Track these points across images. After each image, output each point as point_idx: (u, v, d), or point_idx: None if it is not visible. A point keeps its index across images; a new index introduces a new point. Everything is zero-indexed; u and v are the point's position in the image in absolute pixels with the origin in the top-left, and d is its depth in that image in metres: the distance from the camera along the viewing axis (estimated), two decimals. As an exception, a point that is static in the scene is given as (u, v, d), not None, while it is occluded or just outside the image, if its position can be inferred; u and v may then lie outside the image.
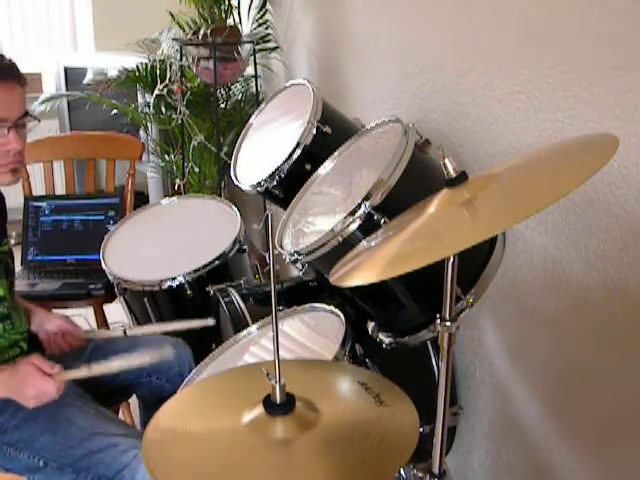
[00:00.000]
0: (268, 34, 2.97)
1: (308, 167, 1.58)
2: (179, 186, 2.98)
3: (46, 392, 1.35)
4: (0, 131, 1.37)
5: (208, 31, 2.65)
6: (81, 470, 1.37)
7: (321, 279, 1.54)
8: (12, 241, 1.63)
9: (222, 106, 3.13)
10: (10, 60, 1.41)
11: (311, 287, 1.70)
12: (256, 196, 1.78)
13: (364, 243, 1.09)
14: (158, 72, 2.93)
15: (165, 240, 1.99)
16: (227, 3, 2.79)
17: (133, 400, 1.89)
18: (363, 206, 1.21)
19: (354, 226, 1.22)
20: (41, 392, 1.34)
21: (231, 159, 1.85)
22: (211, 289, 1.71)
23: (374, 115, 1.91)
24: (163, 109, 3.08)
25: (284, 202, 1.59)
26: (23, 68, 1.42)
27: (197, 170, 3.08)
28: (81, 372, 1.41)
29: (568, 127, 1.20)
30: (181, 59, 2.88)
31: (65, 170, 2.59)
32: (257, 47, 2.85)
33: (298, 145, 1.58)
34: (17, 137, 1.40)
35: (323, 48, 2.47)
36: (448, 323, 0.98)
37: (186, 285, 1.78)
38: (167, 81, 2.91)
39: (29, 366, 1.35)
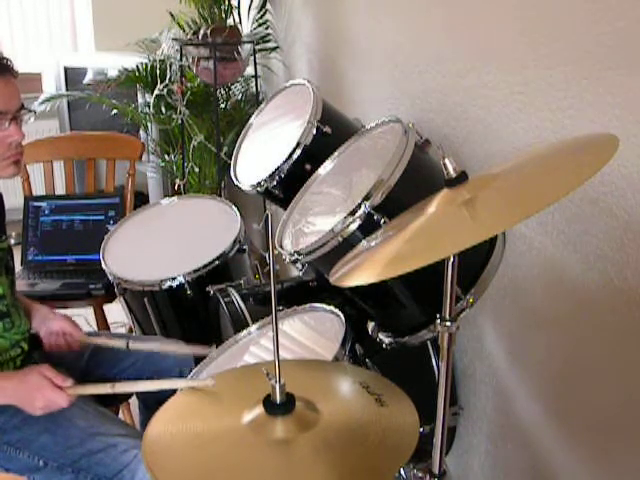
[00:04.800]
0: (268, 34, 2.97)
1: (308, 167, 1.58)
2: (179, 186, 2.98)
3: (56, 403, 1.33)
4: (2, 124, 1.39)
5: (208, 31, 2.65)
6: (81, 470, 1.37)
7: (321, 279, 1.54)
8: (12, 241, 1.63)
9: (222, 106, 3.13)
10: (2, 54, 1.42)
11: (311, 287, 1.70)
12: (256, 196, 1.78)
13: (364, 243, 1.09)
14: (158, 72, 2.94)
15: (165, 240, 2.00)
16: (227, 3, 2.79)
17: (133, 400, 1.89)
18: (363, 206, 1.20)
19: (354, 226, 1.22)
20: (50, 403, 1.33)
21: (231, 159, 1.85)
22: (211, 289, 1.71)
23: (374, 115, 1.91)
24: (163, 109, 3.08)
25: (284, 202, 1.59)
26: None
27: (197, 170, 3.08)
28: (99, 388, 1.37)
29: (568, 127, 1.19)
30: (181, 59, 2.88)
31: (65, 170, 2.59)
32: (257, 47, 2.85)
33: (298, 145, 1.58)
34: (17, 129, 1.42)
35: (323, 48, 2.47)
36: (448, 323, 0.98)
37: (186, 285, 1.78)
38: (167, 81, 2.91)
39: (40, 377, 1.34)
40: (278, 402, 0.90)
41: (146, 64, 2.99)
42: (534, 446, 1.41)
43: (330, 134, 1.59)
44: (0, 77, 1.38)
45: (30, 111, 1.48)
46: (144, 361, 1.67)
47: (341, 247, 1.22)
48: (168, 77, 2.92)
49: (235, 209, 1.99)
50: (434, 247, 0.86)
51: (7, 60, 1.42)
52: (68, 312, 2.23)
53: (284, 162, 1.59)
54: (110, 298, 2.24)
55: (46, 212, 2.41)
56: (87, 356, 1.66)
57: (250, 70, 2.91)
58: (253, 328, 1.46)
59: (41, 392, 1.33)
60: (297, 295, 1.70)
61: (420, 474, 1.50)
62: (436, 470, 1.04)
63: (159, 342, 1.72)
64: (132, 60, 3.05)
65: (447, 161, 0.95)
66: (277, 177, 1.61)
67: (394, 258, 0.89)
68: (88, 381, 1.48)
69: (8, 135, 1.41)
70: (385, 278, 0.84)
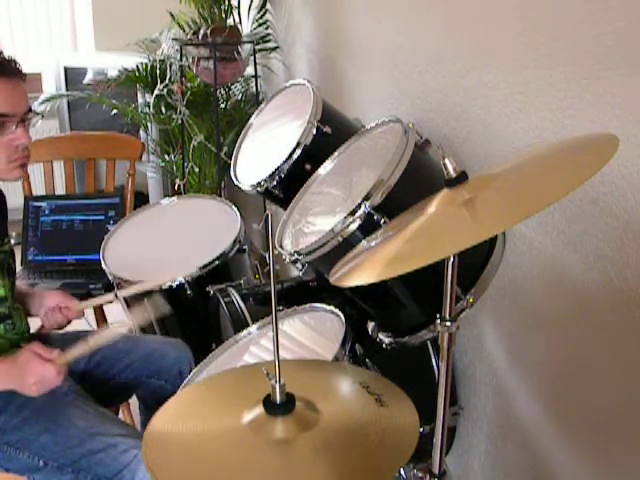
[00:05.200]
0: (268, 34, 2.97)
1: (308, 167, 1.58)
2: (179, 186, 2.98)
3: (47, 377, 1.34)
4: (9, 127, 1.39)
5: (208, 31, 2.65)
6: (81, 470, 1.37)
7: (321, 279, 1.54)
8: (12, 241, 1.63)
9: (222, 106, 3.13)
10: (12, 57, 1.42)
11: (311, 287, 1.70)
12: (256, 196, 1.78)
13: (364, 243, 1.09)
14: (158, 72, 2.94)
15: (165, 240, 1.99)
16: (227, 3, 2.79)
17: (133, 400, 1.88)
18: (363, 206, 1.20)
19: (354, 226, 1.22)
20: (42, 378, 1.34)
21: (231, 159, 1.85)
22: (211, 289, 1.71)
23: (374, 115, 1.91)
24: (163, 109, 3.08)
25: (284, 202, 1.59)
26: (23, 68, 1.44)
27: (197, 170, 3.08)
28: (80, 349, 1.38)
29: (568, 127, 1.19)
30: (181, 59, 2.88)
31: (65, 170, 2.59)
32: (257, 47, 2.86)
33: (298, 145, 1.58)
34: (25, 132, 1.42)
35: (323, 48, 2.47)
36: (448, 323, 0.98)
37: (186, 285, 1.78)
38: (167, 81, 2.91)
39: (28, 353, 1.35)
40: (278, 402, 0.90)
41: (146, 64, 2.99)
42: (534, 446, 1.41)
43: (330, 134, 1.59)
44: (8, 80, 1.38)
45: (37, 114, 1.48)
46: (144, 360, 1.67)
47: (341, 247, 1.22)
48: (168, 77, 2.92)
49: (235, 209, 1.99)
50: (434, 247, 0.86)
51: (16, 63, 1.42)
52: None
53: (284, 162, 1.59)
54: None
55: (46, 212, 2.41)
56: (87, 357, 1.66)
57: (250, 70, 2.91)
58: (253, 328, 1.46)
59: (31, 369, 1.33)
60: (297, 295, 1.70)
61: (420, 474, 1.50)
62: (436, 470, 1.04)
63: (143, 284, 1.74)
64: (132, 60, 3.05)
65: (447, 161, 0.95)
66: (277, 177, 1.61)
67: (394, 258, 0.89)
68: (88, 381, 1.48)
69: (15, 138, 1.40)
70: (385, 278, 0.84)
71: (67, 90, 3.51)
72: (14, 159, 1.42)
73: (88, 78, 3.48)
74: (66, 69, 3.58)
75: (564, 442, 1.33)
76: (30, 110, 1.44)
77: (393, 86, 1.88)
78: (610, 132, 1.06)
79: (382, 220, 1.18)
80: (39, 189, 2.70)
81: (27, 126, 1.44)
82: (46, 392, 1.36)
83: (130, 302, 1.94)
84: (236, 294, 1.64)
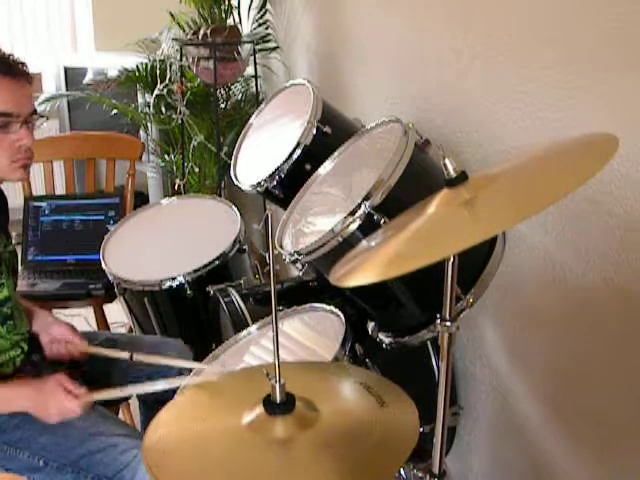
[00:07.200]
0: (268, 34, 2.97)
1: (308, 167, 1.58)
2: (179, 186, 2.98)
3: (70, 410, 1.35)
4: (13, 127, 1.39)
5: (208, 31, 2.65)
6: (81, 470, 1.37)
7: (321, 279, 1.54)
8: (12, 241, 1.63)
9: (222, 106, 3.13)
10: (20, 59, 1.43)
11: (311, 287, 1.69)
12: (256, 196, 1.78)
13: (364, 243, 1.09)
14: (158, 72, 2.94)
15: (165, 240, 1.99)
16: (227, 3, 2.79)
17: (133, 400, 1.89)
18: (363, 206, 1.21)
19: (354, 226, 1.22)
20: (65, 410, 1.35)
21: (231, 159, 1.85)
22: (211, 289, 1.71)
23: (374, 115, 1.91)
24: (163, 109, 3.08)
25: (284, 202, 1.59)
26: (30, 70, 1.45)
27: (197, 170, 3.08)
28: (111, 393, 1.39)
29: (568, 127, 1.20)
30: (181, 59, 2.88)
31: (65, 170, 2.59)
32: (257, 47, 2.86)
33: (298, 145, 1.58)
34: (28, 133, 1.42)
35: (323, 48, 2.47)
36: (448, 323, 0.98)
37: (186, 285, 1.78)
38: (167, 81, 2.91)
39: (55, 384, 1.36)
40: (278, 402, 0.90)
41: (146, 64, 2.99)
42: (534, 446, 1.41)
43: (330, 134, 1.59)
44: (14, 80, 1.38)
45: (42, 116, 1.48)
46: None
47: (341, 247, 1.22)
48: (168, 77, 2.92)
49: (235, 209, 1.99)
50: (434, 247, 0.85)
51: (24, 65, 1.42)
52: (68, 312, 2.23)
53: (284, 162, 1.59)
54: (110, 298, 2.24)
55: (46, 212, 2.41)
56: (87, 356, 1.66)
57: (250, 70, 2.91)
58: (253, 328, 1.46)
59: (57, 400, 1.35)
60: (297, 295, 1.70)
61: (420, 474, 1.50)
62: (436, 470, 1.04)
63: (162, 357, 1.68)
64: (132, 60, 3.05)
65: (447, 161, 0.94)
66: (277, 177, 1.61)
67: (394, 258, 0.89)
68: (88, 381, 1.48)
69: (19, 138, 1.40)
70: (385, 278, 0.84)
71: (67, 90, 3.50)
72: (16, 159, 1.42)
73: (88, 78, 3.47)
74: (66, 69, 3.58)
75: (564, 442, 1.33)
76: (35, 112, 1.44)
77: (393, 86, 1.88)
78: (610, 132, 1.06)
79: (382, 220, 1.18)
80: (39, 189, 2.70)
81: (31, 127, 1.44)
82: None
83: (131, 304, 1.94)
84: (236, 294, 1.64)
